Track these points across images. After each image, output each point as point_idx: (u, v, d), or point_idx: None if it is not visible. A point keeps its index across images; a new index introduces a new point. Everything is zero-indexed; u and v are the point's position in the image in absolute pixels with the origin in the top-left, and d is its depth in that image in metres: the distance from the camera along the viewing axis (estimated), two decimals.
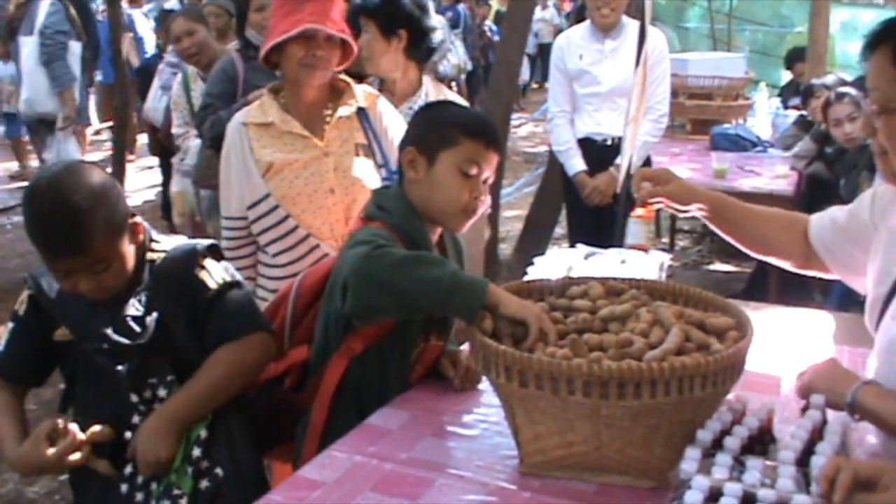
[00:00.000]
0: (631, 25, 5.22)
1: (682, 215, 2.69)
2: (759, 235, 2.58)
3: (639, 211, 2.82)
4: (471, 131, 2.49)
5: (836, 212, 2.45)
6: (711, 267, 7.99)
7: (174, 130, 5.92)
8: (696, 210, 2.59)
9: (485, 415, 2.43)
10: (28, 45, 7.66)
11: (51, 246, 2.33)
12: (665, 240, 8.55)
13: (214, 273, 2.55)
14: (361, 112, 3.27)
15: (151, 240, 2.57)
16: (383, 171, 3.27)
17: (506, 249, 7.94)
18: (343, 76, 3.31)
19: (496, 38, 15.77)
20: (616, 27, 5.37)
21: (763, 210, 2.62)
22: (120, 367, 2.45)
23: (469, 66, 15.33)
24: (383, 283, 2.20)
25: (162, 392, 2.48)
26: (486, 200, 2.56)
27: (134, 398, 2.47)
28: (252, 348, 2.52)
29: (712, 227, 2.63)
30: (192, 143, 5.58)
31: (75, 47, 7.75)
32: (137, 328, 2.45)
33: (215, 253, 2.62)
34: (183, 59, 5.82)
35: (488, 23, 17.30)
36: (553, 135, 5.66)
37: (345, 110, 3.25)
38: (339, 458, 2.21)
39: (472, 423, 2.40)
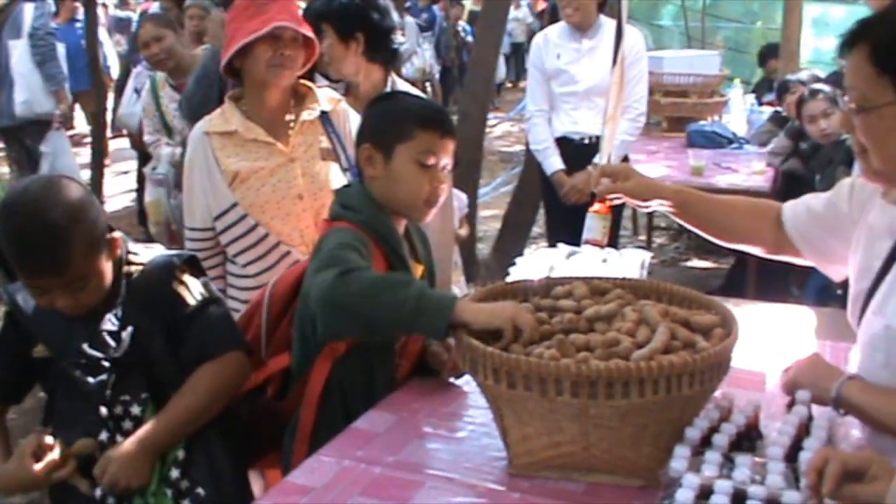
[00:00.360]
0: (608, 24, 5.22)
1: (645, 210, 2.70)
2: (727, 225, 2.60)
3: (596, 206, 2.84)
4: (424, 123, 2.50)
5: (811, 200, 2.46)
6: (689, 264, 8.01)
7: (146, 138, 5.87)
8: (658, 205, 2.60)
9: (472, 416, 2.42)
10: (18, 48, 7.66)
11: (27, 263, 2.30)
12: (642, 237, 8.58)
13: (192, 288, 2.53)
14: (325, 116, 3.26)
15: (129, 252, 2.54)
16: (349, 174, 3.24)
17: (484, 249, 7.94)
18: (304, 81, 3.29)
19: (470, 38, 15.78)
20: (591, 26, 5.38)
21: (730, 199, 2.64)
22: (91, 380, 2.43)
23: (436, 70, 15.30)
24: (350, 311, 2.20)
25: (135, 409, 2.45)
26: (447, 188, 2.58)
27: (103, 412, 2.44)
28: (228, 366, 2.51)
29: (679, 222, 2.65)
30: (164, 151, 5.54)
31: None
32: (112, 343, 2.43)
33: (193, 267, 2.60)
34: (151, 64, 5.79)
35: (462, 23, 17.31)
36: (531, 134, 5.67)
37: (308, 114, 3.23)
38: (327, 462, 2.20)
39: (460, 425, 2.39)
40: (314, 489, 2.08)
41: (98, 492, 2.41)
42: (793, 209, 2.48)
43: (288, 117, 3.22)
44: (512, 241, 7.45)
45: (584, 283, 2.34)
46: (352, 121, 3.31)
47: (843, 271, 2.38)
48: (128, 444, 2.39)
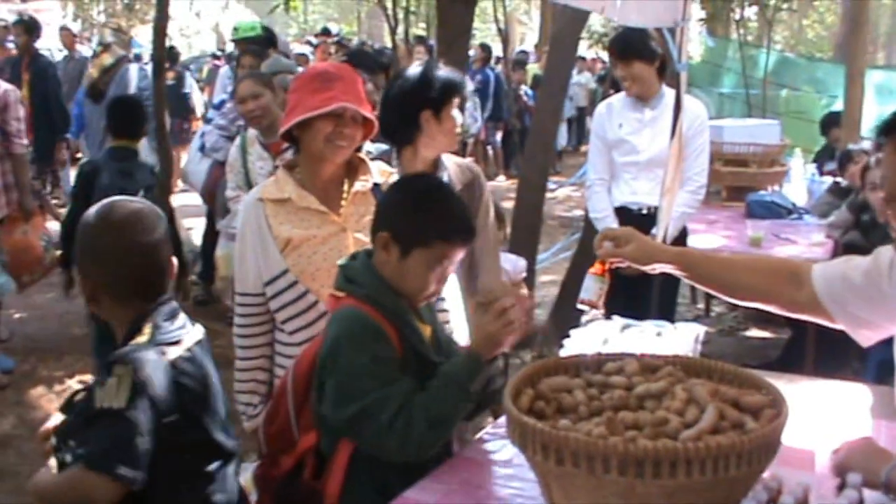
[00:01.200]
0: (670, 95, 5.22)
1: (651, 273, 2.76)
2: (737, 284, 2.64)
3: (595, 267, 2.90)
4: (448, 237, 2.63)
5: (847, 268, 2.47)
6: (748, 333, 7.95)
7: (227, 193, 5.95)
8: (662, 269, 2.65)
9: (521, 489, 2.45)
10: None
11: None
12: (701, 306, 8.53)
13: (108, 392, 2.42)
14: (377, 188, 3.28)
15: (156, 325, 2.58)
16: None
17: (541, 315, 7.92)
18: (357, 153, 3.32)
19: (532, 102, 15.87)
20: (653, 96, 5.40)
21: (741, 258, 2.68)
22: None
23: (473, 129, 15.32)
24: (428, 441, 2.48)
25: (69, 457, 2.49)
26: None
27: (53, 440, 2.59)
28: (80, 485, 2.39)
29: (689, 283, 2.69)
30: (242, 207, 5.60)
31: None
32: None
33: (134, 371, 2.44)
34: (246, 120, 5.88)
35: (524, 87, 17.43)
36: (590, 202, 5.68)
37: (361, 185, 3.26)
38: None
39: (509, 498, 2.42)
40: None
41: None
42: (825, 274, 2.49)
43: (341, 188, 3.26)
44: (570, 307, 7.40)
45: (636, 360, 2.37)
46: None
47: (872, 336, 2.40)
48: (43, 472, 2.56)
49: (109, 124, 6.11)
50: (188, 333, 2.66)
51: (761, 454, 1.97)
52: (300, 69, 7.58)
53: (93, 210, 2.66)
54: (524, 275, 5.95)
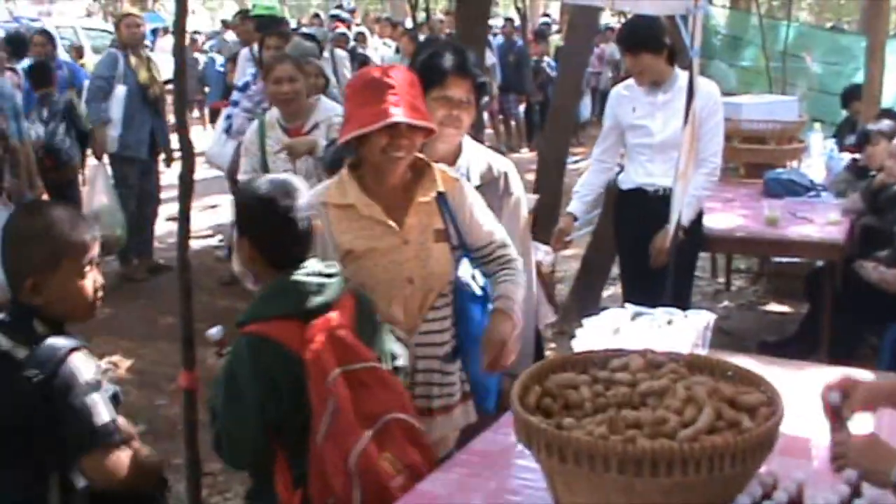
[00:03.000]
0: (683, 77, 5.22)
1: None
2: None
3: None
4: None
5: None
6: (767, 308, 7.99)
7: (240, 176, 5.98)
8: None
9: (531, 479, 2.53)
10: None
11: None
12: (721, 280, 8.57)
13: None
14: (441, 196, 3.21)
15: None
16: (458, 252, 3.25)
17: (563, 290, 7.96)
18: (420, 156, 3.22)
19: (554, 73, 15.86)
20: (666, 81, 5.41)
21: None
22: None
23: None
24: None
25: None
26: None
27: None
28: None
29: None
30: None
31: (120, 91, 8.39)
32: None
33: None
34: (275, 101, 5.86)
35: (547, 59, 17.40)
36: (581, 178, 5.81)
37: (425, 196, 3.19)
38: None
39: (519, 489, 2.52)
40: None
41: None
42: None
43: (406, 195, 3.19)
44: (590, 283, 7.51)
45: (640, 357, 2.45)
46: (469, 198, 3.29)
47: None
48: None
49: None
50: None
51: (755, 453, 2.06)
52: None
53: None
54: (552, 267, 5.91)
